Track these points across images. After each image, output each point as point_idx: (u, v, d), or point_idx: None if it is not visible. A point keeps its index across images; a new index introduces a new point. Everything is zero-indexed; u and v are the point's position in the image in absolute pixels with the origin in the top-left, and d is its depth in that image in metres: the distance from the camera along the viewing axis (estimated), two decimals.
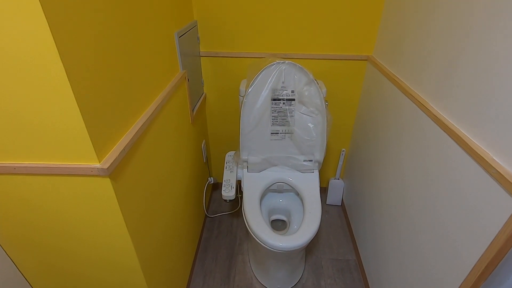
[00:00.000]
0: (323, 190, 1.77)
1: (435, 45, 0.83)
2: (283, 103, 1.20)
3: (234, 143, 1.62)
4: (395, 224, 1.02)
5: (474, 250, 0.64)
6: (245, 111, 1.20)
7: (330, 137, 1.56)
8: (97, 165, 0.57)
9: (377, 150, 1.21)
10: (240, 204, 1.71)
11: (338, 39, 1.29)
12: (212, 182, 1.70)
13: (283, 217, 1.34)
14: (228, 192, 1.24)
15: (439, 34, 0.81)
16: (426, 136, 0.84)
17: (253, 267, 1.36)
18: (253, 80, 1.15)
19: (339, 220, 1.64)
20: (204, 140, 1.51)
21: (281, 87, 1.17)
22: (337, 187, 1.69)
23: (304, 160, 1.28)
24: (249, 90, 1.16)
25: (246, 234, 1.54)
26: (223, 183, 1.28)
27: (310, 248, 1.46)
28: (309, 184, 1.26)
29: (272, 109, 1.21)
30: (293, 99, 1.19)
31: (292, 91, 1.18)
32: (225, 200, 1.26)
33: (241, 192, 1.27)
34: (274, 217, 1.34)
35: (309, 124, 1.23)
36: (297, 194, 1.30)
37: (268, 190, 1.33)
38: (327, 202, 1.74)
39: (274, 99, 1.19)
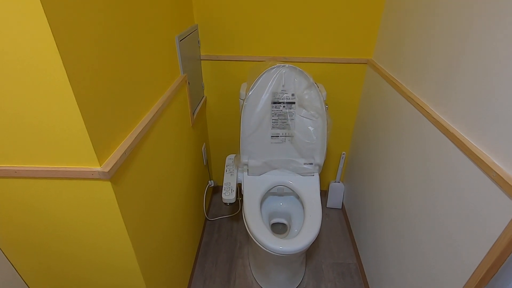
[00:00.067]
0: (324, 193, 1.76)
1: (435, 49, 0.83)
2: (283, 106, 1.20)
3: (234, 146, 1.63)
4: (396, 227, 1.02)
5: (475, 254, 0.63)
6: (245, 114, 1.20)
7: (330, 140, 1.56)
8: (98, 168, 0.57)
9: (377, 153, 1.21)
10: (240, 208, 1.70)
11: (338, 42, 1.29)
12: (213, 185, 1.70)
13: (284, 221, 1.34)
14: (228, 196, 1.24)
15: (439, 38, 0.81)
16: (426, 139, 0.84)
17: (253, 271, 1.35)
18: (254, 84, 1.15)
19: (340, 223, 1.64)
20: (204, 143, 1.51)
21: (282, 90, 1.18)
22: (337, 190, 1.68)
23: (305, 163, 1.28)
24: (250, 93, 1.16)
25: (246, 237, 1.53)
26: (224, 186, 1.28)
27: (310, 252, 1.46)
28: (310, 187, 1.26)
29: (273, 112, 1.21)
30: (293, 102, 1.20)
31: (293, 95, 1.19)
32: (226, 204, 1.26)
33: (241, 195, 1.27)
34: (274, 220, 1.34)
35: (309, 127, 1.23)
36: (298, 197, 1.29)
37: (269, 194, 1.33)
38: (328, 205, 1.74)
39: (275, 102, 1.20)
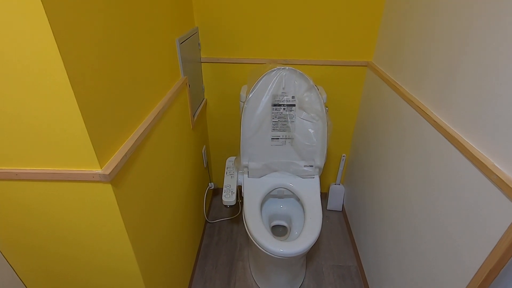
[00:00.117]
0: (324, 196, 1.76)
1: (434, 52, 0.83)
2: (284, 108, 1.20)
3: (234, 149, 1.63)
4: (396, 229, 1.02)
5: (476, 256, 0.63)
6: (245, 116, 1.20)
7: (330, 142, 1.56)
8: (99, 171, 0.57)
9: (378, 155, 1.21)
10: (241, 210, 1.70)
11: (338, 45, 1.30)
12: (213, 187, 1.70)
13: (284, 223, 1.34)
14: (228, 198, 1.24)
15: (438, 40, 0.82)
16: (427, 142, 0.85)
17: (253, 273, 1.35)
18: (254, 86, 1.15)
19: (340, 225, 1.64)
20: (204, 146, 1.51)
21: (282, 93, 1.18)
22: (337, 192, 1.68)
23: (305, 166, 1.28)
24: (250, 96, 1.16)
25: (247, 240, 1.53)
26: (224, 188, 1.28)
27: (310, 254, 1.46)
28: (310, 190, 1.26)
29: (273, 114, 1.21)
30: (294, 105, 1.20)
31: (293, 97, 1.19)
32: (226, 206, 1.26)
33: (242, 198, 1.27)
34: (274, 222, 1.34)
35: (310, 130, 1.23)
36: (298, 199, 1.29)
37: (269, 196, 1.33)
38: (328, 208, 1.73)
39: (275, 105, 1.20)
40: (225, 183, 1.30)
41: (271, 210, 1.32)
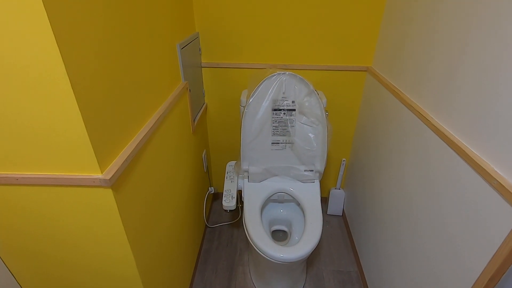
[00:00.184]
0: (324, 200, 1.76)
1: (434, 57, 0.84)
2: (284, 113, 1.21)
3: (234, 153, 1.63)
4: (398, 234, 1.02)
5: (478, 262, 0.63)
6: (246, 121, 1.20)
7: (330, 147, 1.56)
8: (100, 176, 0.57)
9: (378, 160, 1.21)
10: (241, 214, 1.70)
11: (337, 50, 1.30)
12: (213, 192, 1.70)
13: (284, 228, 1.33)
14: (228, 202, 1.24)
15: (438, 46, 0.82)
16: (427, 147, 0.85)
17: (253, 278, 1.34)
18: (254, 91, 1.16)
19: (340, 230, 1.63)
20: (204, 150, 1.52)
21: (282, 97, 1.18)
22: (338, 197, 1.68)
23: (305, 170, 1.28)
24: (250, 100, 1.17)
25: (247, 245, 1.52)
26: (224, 193, 1.27)
27: (311, 260, 1.45)
28: (310, 194, 1.26)
29: (273, 119, 1.22)
30: (294, 110, 1.20)
31: (293, 102, 1.19)
32: (226, 210, 1.26)
33: (242, 202, 1.27)
34: (275, 227, 1.33)
35: (310, 134, 1.24)
36: (298, 204, 1.29)
37: (269, 200, 1.32)
38: (328, 212, 1.73)
39: (275, 109, 1.20)
40: (225, 188, 1.30)
41: (271, 215, 1.32)
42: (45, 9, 0.42)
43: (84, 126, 0.52)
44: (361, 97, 1.43)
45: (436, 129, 0.79)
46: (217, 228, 1.63)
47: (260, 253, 1.04)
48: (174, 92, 1.00)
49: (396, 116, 1.06)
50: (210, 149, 1.65)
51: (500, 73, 0.59)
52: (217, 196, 1.84)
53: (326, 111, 1.21)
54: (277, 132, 1.24)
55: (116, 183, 0.61)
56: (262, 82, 1.15)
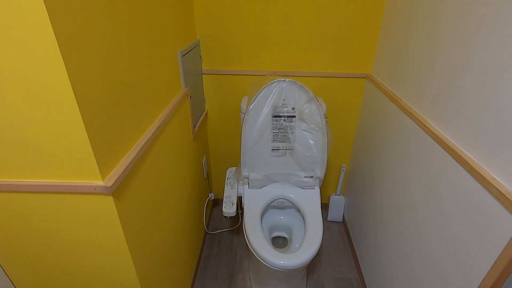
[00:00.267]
0: (324, 206, 1.76)
1: (433, 64, 0.85)
2: (284, 120, 1.21)
3: (235, 159, 1.63)
4: (399, 239, 1.01)
5: (480, 269, 0.63)
6: (246, 127, 1.21)
7: (330, 153, 1.57)
8: (101, 183, 0.57)
9: (379, 166, 1.21)
10: (241, 221, 1.69)
11: (337, 57, 1.32)
12: (213, 198, 1.69)
13: (284, 234, 1.33)
14: (229, 209, 1.24)
15: (437, 53, 0.83)
16: (427, 153, 0.85)
17: (253, 286, 1.33)
18: (254, 98, 1.17)
19: (340, 237, 1.62)
20: (205, 156, 1.52)
21: (282, 104, 1.19)
22: (338, 203, 1.68)
23: (305, 177, 1.28)
24: (251, 107, 1.18)
25: (247, 251, 1.52)
26: (224, 199, 1.27)
27: (311, 266, 1.44)
28: (310, 201, 1.26)
29: (273, 125, 1.22)
30: (294, 116, 1.21)
31: (293, 108, 1.20)
32: (226, 217, 1.25)
33: (242, 209, 1.27)
34: (275, 234, 1.33)
35: (310, 141, 1.24)
36: (298, 210, 1.29)
37: (269, 207, 1.32)
38: (328, 219, 1.73)
39: (275, 116, 1.21)
40: (225, 194, 1.30)
41: (271, 221, 1.31)
42: (49, 19, 0.43)
43: (86, 134, 0.52)
44: (360, 103, 1.44)
45: (436, 136, 0.79)
46: (217, 235, 1.62)
47: (260, 260, 1.03)
48: (175, 99, 1.00)
49: (395, 123, 1.06)
50: (210, 155, 1.65)
51: (500, 80, 0.60)
52: (217, 202, 1.83)
53: (326, 117, 1.21)
54: (277, 139, 1.25)
55: (117, 191, 0.61)
56: (263, 89, 1.16)
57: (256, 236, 1.09)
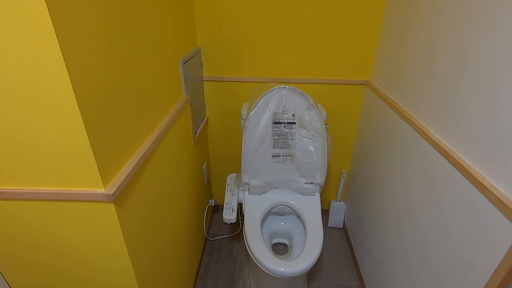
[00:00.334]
0: (325, 212, 1.75)
1: (432, 71, 0.86)
2: (284, 126, 1.22)
3: (235, 165, 1.63)
4: (401, 246, 1.01)
5: (482, 277, 0.63)
6: (246, 134, 1.22)
7: (330, 159, 1.57)
8: (102, 191, 0.58)
9: (379, 172, 1.21)
10: (241, 227, 1.69)
11: (336, 64, 1.33)
12: (213, 204, 1.69)
13: (285, 241, 1.32)
14: (229, 215, 1.24)
15: (435, 61, 0.84)
16: (427, 160, 0.85)
17: None
18: (255, 104, 1.17)
19: (341, 243, 1.62)
20: (205, 162, 1.52)
21: (282, 111, 1.20)
22: (338, 209, 1.68)
23: (305, 183, 1.28)
24: (251, 113, 1.18)
25: (247, 258, 1.51)
26: (224, 205, 1.27)
27: (312, 273, 1.43)
28: (311, 207, 1.26)
29: (273, 132, 1.23)
30: (294, 123, 1.22)
31: (293, 115, 1.21)
32: (226, 223, 1.25)
33: (242, 215, 1.26)
34: (275, 240, 1.32)
35: (310, 147, 1.25)
36: (299, 217, 1.29)
37: (270, 213, 1.32)
38: (329, 225, 1.72)
39: (275, 123, 1.21)
40: (226, 200, 1.30)
41: (271, 228, 1.31)
42: (54, 28, 0.43)
43: (88, 141, 0.53)
44: (360, 110, 1.44)
45: (435, 144, 0.80)
46: (217, 241, 1.61)
47: (261, 267, 1.03)
48: (176, 106, 1.01)
49: (395, 130, 1.07)
50: (210, 161, 1.65)
51: (499, 88, 0.61)
52: (217, 208, 1.83)
53: (326, 124, 1.22)
54: (277, 145, 1.25)
55: (118, 198, 0.62)
56: (263, 95, 1.17)
57: (256, 243, 1.09)
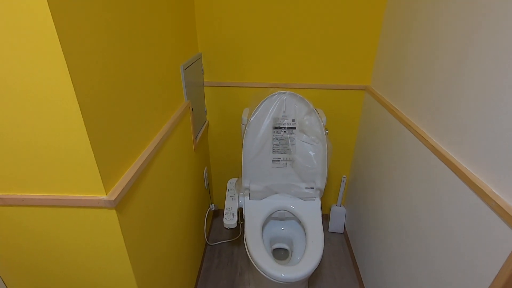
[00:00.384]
0: (325, 217, 1.75)
1: (431, 77, 0.86)
2: (284, 131, 1.23)
3: (236, 170, 1.63)
4: (402, 251, 1.01)
5: (483, 283, 0.63)
6: (247, 139, 1.22)
7: (331, 164, 1.58)
8: (104, 197, 0.58)
9: (379, 177, 1.22)
10: (242, 232, 1.68)
11: (336, 69, 1.34)
12: (214, 209, 1.69)
13: (285, 246, 1.32)
14: (230, 220, 1.24)
15: (435, 66, 0.84)
16: (427, 165, 0.86)
17: None
18: (255, 109, 1.18)
19: (342, 248, 1.61)
20: (206, 167, 1.52)
21: (283, 116, 1.21)
22: (339, 214, 1.67)
23: (306, 188, 1.29)
24: (252, 119, 1.19)
25: (248, 263, 1.51)
26: (225, 210, 1.27)
27: (312, 278, 1.43)
28: (311, 212, 1.26)
29: (274, 137, 1.23)
30: (294, 128, 1.22)
31: (293, 120, 1.21)
32: (226, 228, 1.25)
33: (243, 220, 1.26)
34: (276, 245, 1.32)
35: (310, 152, 1.25)
36: (299, 222, 1.29)
37: (270, 218, 1.32)
38: (329, 230, 1.72)
39: (276, 128, 1.22)
40: (226, 205, 1.30)
41: (272, 233, 1.31)
42: (57, 33, 0.44)
43: (91, 147, 0.53)
44: (360, 115, 1.45)
45: (435, 149, 0.80)
46: (218, 246, 1.61)
47: (261, 272, 1.03)
48: (177, 112, 1.02)
49: (395, 135, 1.07)
50: (211, 166, 1.66)
51: (499, 93, 0.61)
52: (217, 213, 1.83)
53: (326, 129, 1.23)
54: (278, 150, 1.26)
55: (120, 204, 0.62)
56: (263, 101, 1.17)
57: (257, 248, 1.09)
